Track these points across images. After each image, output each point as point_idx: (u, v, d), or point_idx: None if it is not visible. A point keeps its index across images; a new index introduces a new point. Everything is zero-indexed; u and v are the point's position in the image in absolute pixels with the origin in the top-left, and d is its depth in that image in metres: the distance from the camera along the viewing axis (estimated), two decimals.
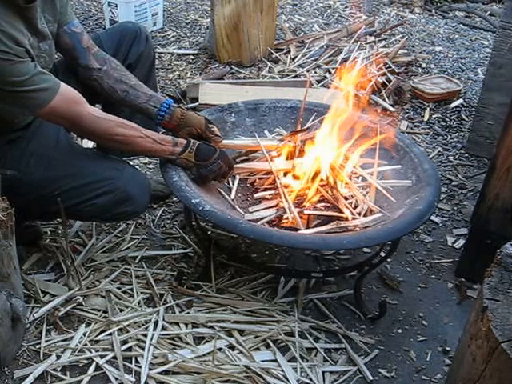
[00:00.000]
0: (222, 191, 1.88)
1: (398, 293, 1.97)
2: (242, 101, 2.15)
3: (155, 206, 2.29)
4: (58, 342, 1.68)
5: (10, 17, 1.49)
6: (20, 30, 1.52)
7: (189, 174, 1.78)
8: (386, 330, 1.82)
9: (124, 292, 1.86)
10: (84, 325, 1.73)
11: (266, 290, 1.90)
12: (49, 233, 2.08)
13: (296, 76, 3.32)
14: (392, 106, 3.10)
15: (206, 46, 3.68)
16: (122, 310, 1.79)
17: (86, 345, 1.67)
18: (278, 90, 2.84)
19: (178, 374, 1.60)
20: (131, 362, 1.63)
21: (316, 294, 1.91)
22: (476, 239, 1.94)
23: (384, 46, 3.65)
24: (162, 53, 3.62)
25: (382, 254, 1.84)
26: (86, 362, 1.63)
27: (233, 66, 3.48)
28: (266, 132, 2.08)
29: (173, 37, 3.92)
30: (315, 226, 1.75)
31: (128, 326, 1.72)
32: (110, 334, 1.70)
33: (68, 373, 1.61)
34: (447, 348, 1.77)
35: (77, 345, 1.66)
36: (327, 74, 3.32)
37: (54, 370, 1.60)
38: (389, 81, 3.20)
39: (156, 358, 1.63)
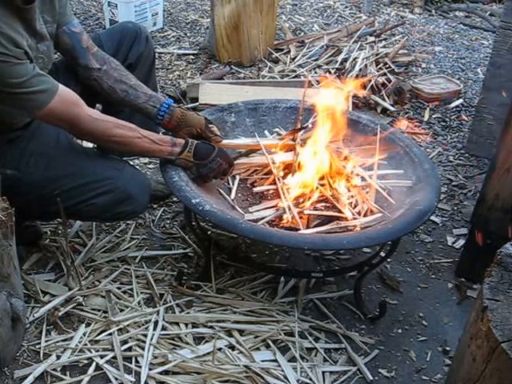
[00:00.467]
0: (221, 191, 1.88)
1: (398, 293, 1.97)
2: (242, 101, 2.15)
3: (155, 206, 2.29)
4: (58, 342, 1.68)
5: (9, 18, 1.48)
6: (18, 32, 1.51)
7: (189, 174, 1.77)
8: (386, 329, 1.82)
9: (124, 292, 1.86)
10: (84, 325, 1.73)
11: (266, 290, 1.90)
12: (49, 233, 2.08)
13: (296, 76, 3.32)
14: (392, 105, 3.10)
15: (206, 46, 3.68)
16: (121, 310, 1.79)
17: (86, 345, 1.67)
18: (278, 90, 2.84)
19: (177, 374, 1.60)
20: (131, 362, 1.63)
21: (316, 294, 1.91)
22: (476, 239, 1.94)
23: (384, 46, 3.65)
24: (161, 53, 3.62)
25: (382, 253, 1.84)
26: (85, 362, 1.63)
27: (233, 66, 3.48)
28: (266, 132, 2.08)
29: (173, 37, 3.92)
30: (315, 226, 1.75)
31: (128, 326, 1.72)
32: (110, 334, 1.70)
33: (68, 373, 1.61)
34: (447, 348, 1.77)
35: (77, 345, 1.66)
36: (327, 74, 3.31)
37: (54, 370, 1.60)
38: (389, 81, 3.20)
39: (156, 358, 1.63)
